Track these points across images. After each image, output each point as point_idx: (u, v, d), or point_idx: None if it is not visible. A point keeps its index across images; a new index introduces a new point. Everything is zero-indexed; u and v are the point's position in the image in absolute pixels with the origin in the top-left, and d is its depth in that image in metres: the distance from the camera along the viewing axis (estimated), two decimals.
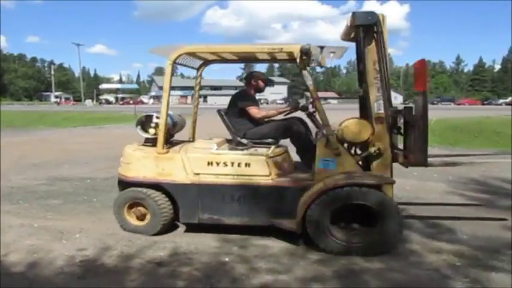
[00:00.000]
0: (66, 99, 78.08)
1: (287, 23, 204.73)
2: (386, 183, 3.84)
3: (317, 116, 4.32)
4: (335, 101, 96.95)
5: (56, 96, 78.28)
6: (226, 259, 3.62)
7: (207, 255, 3.71)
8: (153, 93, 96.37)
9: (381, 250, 3.71)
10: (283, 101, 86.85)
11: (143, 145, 4.43)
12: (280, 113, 4.66)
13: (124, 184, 4.36)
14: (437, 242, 4.05)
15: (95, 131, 17.95)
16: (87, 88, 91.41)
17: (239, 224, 4.06)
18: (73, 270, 3.40)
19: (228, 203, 4.01)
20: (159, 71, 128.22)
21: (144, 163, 4.19)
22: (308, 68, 3.85)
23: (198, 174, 4.03)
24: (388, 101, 3.94)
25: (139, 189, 4.19)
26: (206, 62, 4.89)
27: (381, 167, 3.90)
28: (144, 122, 4.43)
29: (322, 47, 3.86)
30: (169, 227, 4.26)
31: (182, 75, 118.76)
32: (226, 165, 4.01)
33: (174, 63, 4.13)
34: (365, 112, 4.11)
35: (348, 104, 72.81)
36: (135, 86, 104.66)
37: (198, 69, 4.91)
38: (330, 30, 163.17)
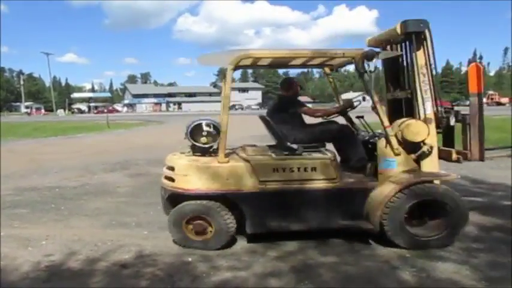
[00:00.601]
0: (37, 109, 76.55)
1: (259, 29, 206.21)
2: (452, 179, 4.12)
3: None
4: (309, 105, 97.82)
5: (27, 107, 76.78)
6: (189, 259, 3.76)
7: (170, 256, 3.84)
8: (126, 101, 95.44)
9: (453, 239, 3.98)
10: (258, 107, 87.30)
11: (193, 155, 4.21)
12: (337, 111, 4.75)
13: (180, 198, 4.03)
14: None
15: (66, 140, 17.77)
16: (58, 98, 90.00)
17: (307, 229, 4.04)
18: (38, 275, 3.49)
19: (296, 209, 4.01)
20: (132, 79, 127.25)
21: (205, 174, 3.94)
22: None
23: (264, 181, 3.95)
24: (435, 102, 4.20)
25: (200, 201, 3.96)
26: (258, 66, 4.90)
27: (430, 164, 4.12)
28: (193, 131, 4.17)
29: (378, 53, 4.06)
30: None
31: (156, 83, 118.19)
32: (293, 170, 3.99)
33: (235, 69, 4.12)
34: (411, 113, 4.28)
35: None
36: (108, 94, 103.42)
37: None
38: (301, 36, 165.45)
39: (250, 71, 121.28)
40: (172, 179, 4.08)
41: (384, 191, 3.91)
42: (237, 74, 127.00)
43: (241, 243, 4.12)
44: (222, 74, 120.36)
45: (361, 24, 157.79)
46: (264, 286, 3.24)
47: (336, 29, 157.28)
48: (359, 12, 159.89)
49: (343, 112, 4.83)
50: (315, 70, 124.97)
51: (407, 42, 4.30)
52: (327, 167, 4.02)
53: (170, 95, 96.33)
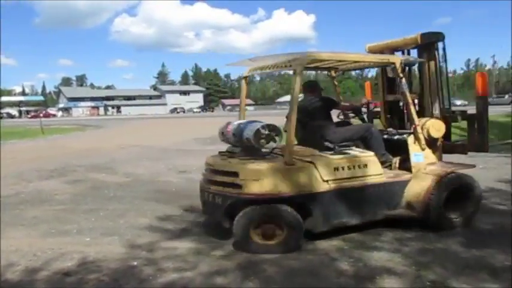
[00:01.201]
0: None
1: (199, 32, 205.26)
2: (471, 169, 4.87)
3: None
4: (252, 108, 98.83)
5: None
6: (135, 263, 3.75)
7: (115, 261, 3.81)
8: (61, 105, 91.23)
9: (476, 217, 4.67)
10: (199, 109, 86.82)
11: (254, 159, 4.07)
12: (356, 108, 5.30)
13: (247, 203, 3.92)
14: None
15: None
16: None
17: (360, 223, 4.30)
18: None
19: (354, 205, 4.24)
20: (67, 81, 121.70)
21: (275, 177, 3.89)
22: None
23: (327, 181, 4.07)
24: (442, 103, 4.95)
25: (271, 205, 3.91)
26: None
27: (438, 156, 4.79)
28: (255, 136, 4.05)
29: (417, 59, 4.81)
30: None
31: (92, 86, 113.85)
32: (350, 168, 4.23)
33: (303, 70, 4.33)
34: (422, 113, 4.88)
35: (263, 110, 74.68)
36: (41, 97, 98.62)
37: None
38: (242, 39, 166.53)
39: (191, 73, 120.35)
40: (237, 185, 3.93)
41: (423, 182, 4.43)
42: (177, 76, 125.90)
43: (187, 245, 4.16)
44: (161, 76, 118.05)
45: (299, 28, 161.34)
46: (211, 284, 3.32)
47: (276, 33, 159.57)
48: (297, 17, 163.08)
49: (359, 110, 5.29)
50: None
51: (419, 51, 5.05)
52: (374, 163, 4.40)
53: (108, 98, 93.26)
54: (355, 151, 4.52)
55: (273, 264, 3.66)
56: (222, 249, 4.03)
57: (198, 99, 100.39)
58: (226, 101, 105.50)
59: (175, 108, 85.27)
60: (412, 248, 3.96)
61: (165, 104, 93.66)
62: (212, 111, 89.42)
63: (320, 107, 4.79)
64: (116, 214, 5.41)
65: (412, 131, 4.66)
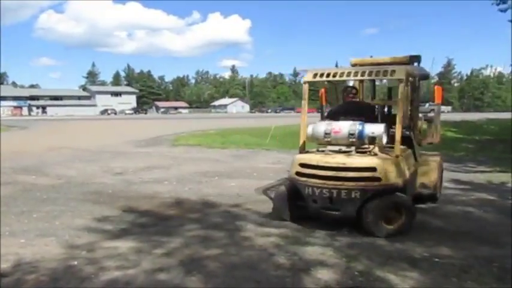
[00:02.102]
0: None
1: (132, 32, 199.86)
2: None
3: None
4: (186, 111, 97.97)
5: None
6: (75, 263, 3.73)
7: (53, 261, 3.76)
8: None
9: None
10: (132, 111, 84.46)
11: (374, 155, 4.63)
12: None
13: (384, 192, 4.51)
14: (267, 228, 4.75)
15: None
16: None
17: None
18: None
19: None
20: None
21: (399, 170, 4.59)
22: None
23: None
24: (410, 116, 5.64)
25: (397, 194, 4.54)
26: None
27: None
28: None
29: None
30: None
31: (14, 84, 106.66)
32: (410, 160, 5.21)
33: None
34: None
35: (198, 114, 74.46)
36: None
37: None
38: (176, 41, 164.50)
39: (123, 74, 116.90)
40: (378, 179, 4.46)
41: (429, 167, 5.63)
42: (109, 77, 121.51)
43: (129, 244, 4.19)
44: (91, 76, 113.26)
45: (235, 32, 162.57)
46: (154, 281, 3.40)
47: (211, 36, 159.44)
48: (233, 21, 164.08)
49: None
50: (190, 75, 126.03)
51: None
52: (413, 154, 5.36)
53: (33, 97, 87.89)
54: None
55: (214, 260, 3.81)
56: (163, 248, 4.11)
57: (130, 101, 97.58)
58: (160, 103, 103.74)
59: (106, 110, 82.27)
60: (342, 243, 4.29)
61: (95, 105, 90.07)
62: (145, 113, 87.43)
63: (371, 109, 5.74)
64: (50, 216, 5.27)
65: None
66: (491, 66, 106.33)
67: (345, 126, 4.72)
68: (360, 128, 4.64)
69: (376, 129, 4.68)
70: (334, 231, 4.64)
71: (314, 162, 4.72)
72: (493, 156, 11.86)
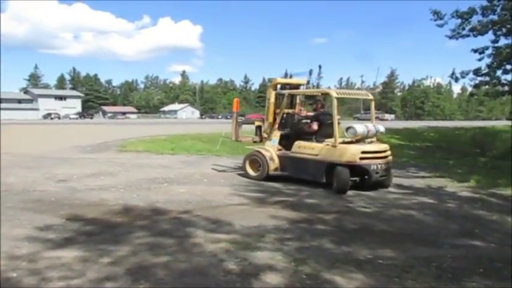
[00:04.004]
0: None
1: (78, 34, 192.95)
2: None
3: None
4: (134, 116, 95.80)
5: None
6: (14, 274, 3.56)
7: None
8: None
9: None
10: (77, 116, 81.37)
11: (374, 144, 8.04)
12: None
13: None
14: (217, 234, 4.75)
15: None
16: None
17: None
18: None
19: None
20: None
21: None
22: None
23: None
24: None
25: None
26: None
27: None
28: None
29: None
30: None
31: None
32: None
33: None
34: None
35: (147, 119, 72.91)
36: None
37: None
38: (125, 45, 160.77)
39: (68, 77, 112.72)
40: (387, 157, 7.83)
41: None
42: (53, 80, 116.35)
43: (72, 254, 4.05)
44: (33, 78, 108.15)
45: (186, 38, 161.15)
46: None
47: (162, 41, 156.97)
48: (184, 26, 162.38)
49: None
50: (139, 80, 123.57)
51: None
52: None
53: None
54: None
55: (163, 267, 3.75)
56: (110, 256, 4.00)
57: (75, 105, 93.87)
58: (107, 108, 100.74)
59: (49, 114, 78.64)
60: (290, 247, 4.37)
61: (37, 109, 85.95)
62: (91, 118, 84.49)
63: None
64: None
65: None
66: (431, 77, 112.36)
67: (372, 127, 7.91)
68: (375, 127, 7.98)
69: (381, 127, 8.19)
70: (283, 235, 4.72)
71: (372, 150, 7.58)
72: (432, 162, 12.51)
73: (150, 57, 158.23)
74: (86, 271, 3.64)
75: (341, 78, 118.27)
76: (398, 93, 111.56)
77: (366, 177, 7.41)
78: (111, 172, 9.32)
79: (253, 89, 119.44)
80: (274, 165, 8.31)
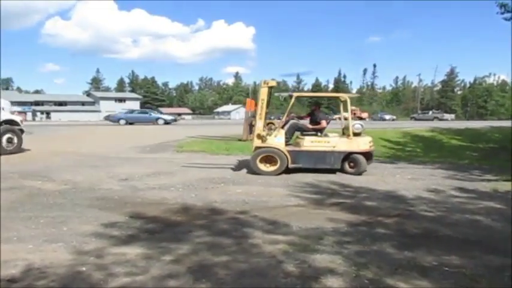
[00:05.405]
0: None
1: (137, 38, 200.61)
2: None
3: None
4: (189, 117, 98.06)
5: None
6: (83, 269, 3.73)
7: (62, 267, 3.76)
8: None
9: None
10: None
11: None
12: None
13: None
14: (275, 236, 4.74)
15: None
16: None
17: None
18: None
19: None
20: None
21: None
22: None
23: None
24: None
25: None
26: None
27: None
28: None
29: None
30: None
31: (19, 90, 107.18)
32: None
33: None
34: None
35: (200, 120, 74.39)
36: None
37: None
38: (181, 48, 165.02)
39: (127, 80, 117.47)
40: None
41: None
42: (113, 83, 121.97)
43: (136, 251, 4.19)
44: (95, 82, 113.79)
45: (239, 40, 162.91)
46: (164, 287, 3.39)
47: (215, 43, 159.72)
48: (237, 28, 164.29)
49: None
50: (194, 82, 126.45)
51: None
52: None
53: (37, 103, 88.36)
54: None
55: (223, 267, 3.80)
56: (171, 254, 4.10)
57: (134, 107, 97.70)
58: (164, 110, 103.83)
59: (109, 115, 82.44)
60: (350, 251, 4.27)
61: (98, 111, 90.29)
62: None
63: None
64: (58, 221, 5.27)
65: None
66: (495, 75, 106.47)
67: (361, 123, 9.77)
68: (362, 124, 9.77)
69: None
70: (342, 238, 4.64)
71: (371, 139, 9.72)
72: (497, 164, 11.82)
73: (204, 59, 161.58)
74: (150, 268, 3.76)
75: (397, 77, 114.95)
76: (459, 92, 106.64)
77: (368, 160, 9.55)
78: (169, 172, 9.58)
79: (305, 88, 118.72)
80: (290, 159, 9.18)
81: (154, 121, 38.98)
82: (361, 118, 69.30)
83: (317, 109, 10.61)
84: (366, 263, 3.91)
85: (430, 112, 67.87)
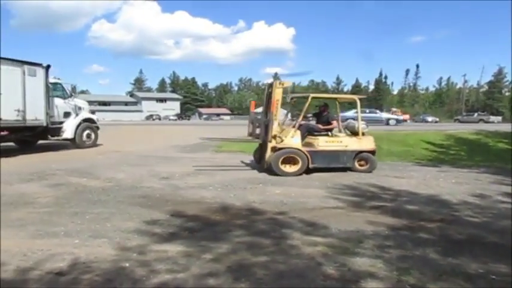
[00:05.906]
0: None
1: (179, 40, 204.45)
2: None
3: None
4: (228, 117, 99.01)
5: None
6: (126, 264, 3.84)
7: (106, 262, 3.88)
8: None
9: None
10: (176, 117, 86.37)
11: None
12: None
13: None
14: (314, 237, 4.71)
15: None
16: None
17: None
18: None
19: None
20: None
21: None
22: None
23: None
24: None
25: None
26: None
27: None
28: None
29: None
30: None
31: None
32: None
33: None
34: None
35: (239, 120, 74.79)
36: None
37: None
38: (221, 49, 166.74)
39: (168, 81, 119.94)
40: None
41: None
42: (155, 83, 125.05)
43: (177, 248, 4.27)
44: (138, 82, 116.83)
45: (279, 40, 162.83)
46: (204, 285, 3.44)
47: (255, 44, 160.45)
48: (277, 29, 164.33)
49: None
50: (233, 82, 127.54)
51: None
52: None
53: None
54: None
55: (262, 267, 3.81)
56: (211, 253, 4.15)
57: (174, 107, 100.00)
58: (203, 110, 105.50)
59: (151, 115, 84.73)
60: (392, 255, 4.18)
61: (140, 111, 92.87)
62: (188, 119, 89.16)
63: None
64: (102, 217, 5.45)
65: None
66: None
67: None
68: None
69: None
70: (383, 242, 4.54)
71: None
72: None
73: (244, 60, 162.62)
74: (190, 266, 3.82)
75: (441, 78, 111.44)
76: (507, 94, 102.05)
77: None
78: (208, 171, 9.70)
79: (345, 89, 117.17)
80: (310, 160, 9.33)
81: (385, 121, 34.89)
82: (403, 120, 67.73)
83: (325, 109, 10.67)
84: (408, 268, 3.82)
85: (476, 114, 65.29)
